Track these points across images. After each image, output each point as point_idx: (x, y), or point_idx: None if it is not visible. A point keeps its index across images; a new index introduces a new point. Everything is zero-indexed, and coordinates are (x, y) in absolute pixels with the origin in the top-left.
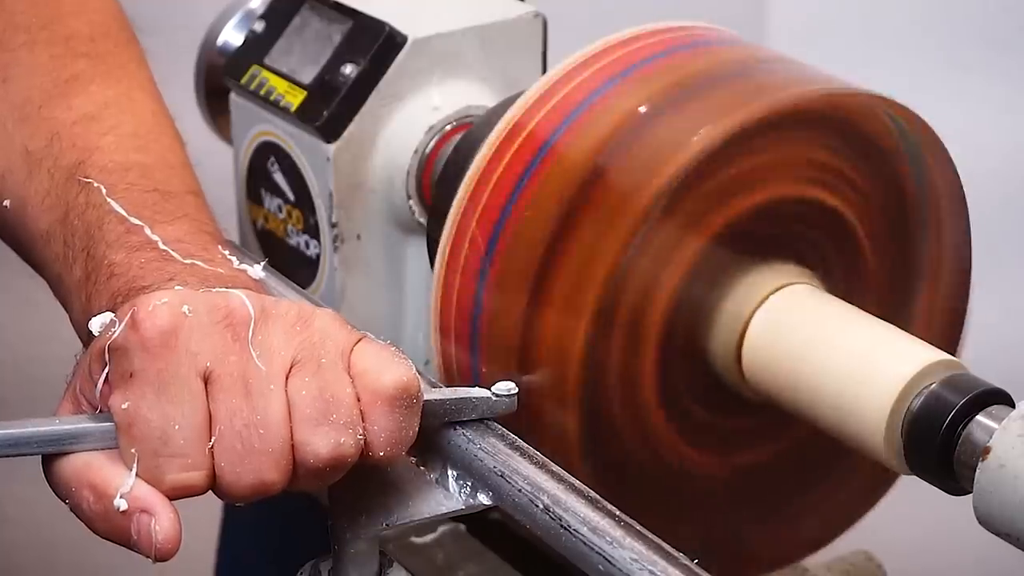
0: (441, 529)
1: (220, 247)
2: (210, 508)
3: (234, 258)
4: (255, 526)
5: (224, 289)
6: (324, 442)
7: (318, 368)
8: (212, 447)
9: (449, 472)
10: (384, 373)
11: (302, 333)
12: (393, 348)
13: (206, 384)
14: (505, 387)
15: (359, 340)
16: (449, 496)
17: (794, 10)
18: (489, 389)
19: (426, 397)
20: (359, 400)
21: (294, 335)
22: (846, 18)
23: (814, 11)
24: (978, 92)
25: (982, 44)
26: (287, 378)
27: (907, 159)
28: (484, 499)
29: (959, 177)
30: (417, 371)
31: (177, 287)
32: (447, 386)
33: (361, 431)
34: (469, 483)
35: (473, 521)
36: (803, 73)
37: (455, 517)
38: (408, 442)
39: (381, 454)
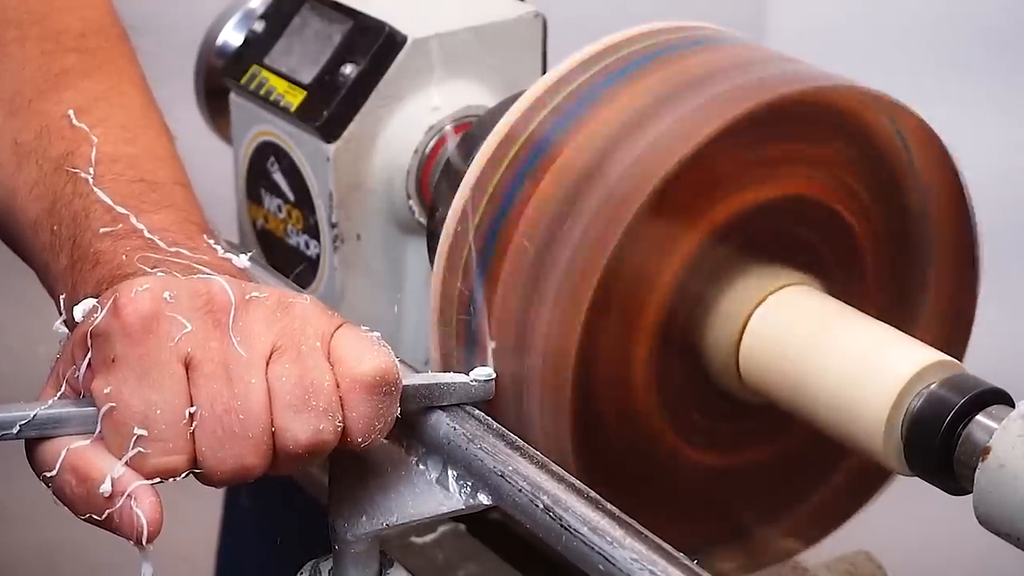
0: (441, 529)
1: (205, 236)
2: (210, 508)
3: (219, 247)
4: (255, 526)
5: (205, 275)
6: (303, 428)
7: (298, 354)
8: (193, 432)
9: (449, 472)
10: (363, 360)
11: (283, 319)
12: (374, 335)
13: (187, 369)
14: (483, 373)
15: (339, 327)
16: (449, 496)
17: (794, 10)
18: (467, 374)
19: (404, 382)
20: (338, 387)
21: (275, 321)
22: (846, 19)
23: (814, 11)
24: (978, 92)
25: (982, 45)
26: (267, 364)
27: (907, 159)
28: (484, 499)
29: (960, 177)
30: (396, 358)
31: (159, 273)
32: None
33: (340, 418)
34: (469, 483)
35: (473, 521)
36: (802, 71)
37: (455, 517)
38: (387, 428)
39: (359, 440)
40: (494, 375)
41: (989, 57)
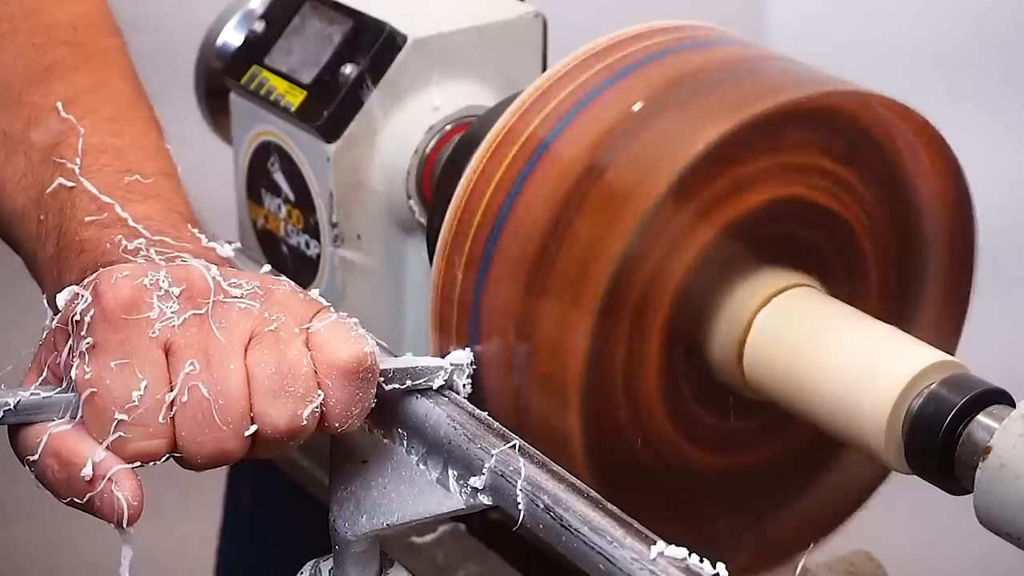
0: (441, 529)
1: (190, 226)
2: (210, 508)
3: (203, 236)
4: (255, 526)
5: (185, 262)
6: (281, 413)
7: (277, 340)
8: (173, 417)
9: (449, 472)
10: (341, 347)
11: (262, 305)
12: (352, 320)
13: (167, 355)
14: (460, 356)
15: (318, 312)
16: (449, 496)
17: (794, 10)
18: (444, 358)
19: (382, 366)
20: (316, 373)
21: (254, 307)
22: (845, 19)
23: (813, 11)
24: (978, 93)
25: (982, 45)
26: (246, 350)
27: (910, 160)
28: (484, 499)
29: (962, 176)
30: (375, 343)
31: (141, 261)
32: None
33: (318, 403)
34: (469, 483)
35: (473, 521)
36: (805, 73)
37: (455, 517)
38: (364, 414)
39: (336, 425)
40: (472, 359)
41: (990, 57)
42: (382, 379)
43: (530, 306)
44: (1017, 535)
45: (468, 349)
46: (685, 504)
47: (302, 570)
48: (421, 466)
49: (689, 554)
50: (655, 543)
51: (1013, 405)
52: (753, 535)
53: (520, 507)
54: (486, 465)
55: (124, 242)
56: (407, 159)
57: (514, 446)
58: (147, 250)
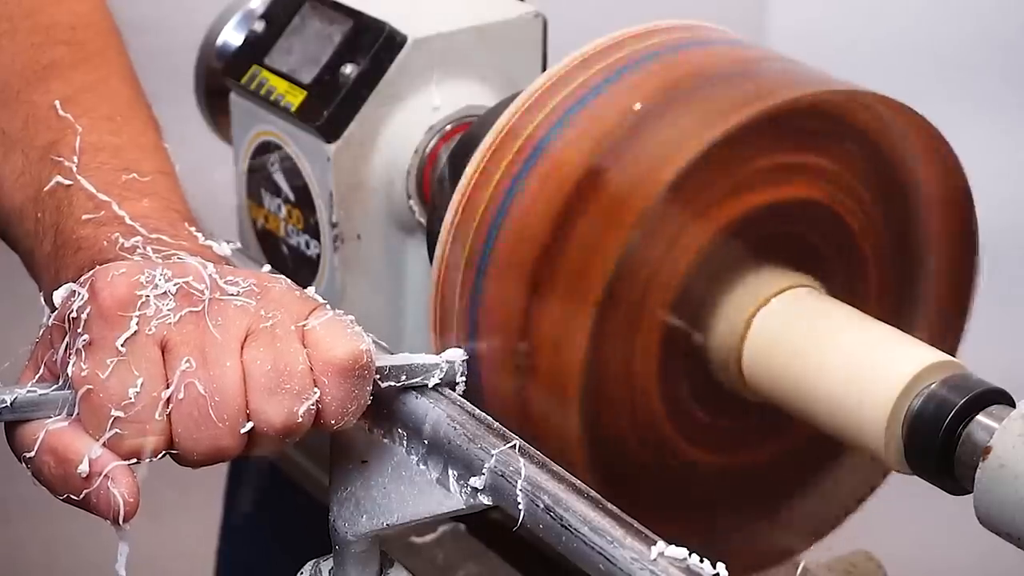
0: (441, 529)
1: (187, 224)
2: (210, 508)
3: (200, 234)
4: (255, 526)
5: (182, 259)
6: (277, 411)
7: (273, 338)
8: (170, 414)
9: (449, 472)
10: (337, 344)
11: (258, 303)
12: (348, 318)
13: (163, 352)
14: (455, 354)
15: (314, 310)
16: (449, 496)
17: (794, 10)
18: (439, 355)
19: (377, 363)
20: (312, 370)
21: (250, 304)
22: (846, 19)
23: (814, 12)
24: (979, 92)
25: (983, 45)
26: (242, 347)
27: (910, 160)
28: (484, 499)
29: (963, 176)
30: (371, 340)
31: (137, 258)
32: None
33: (314, 401)
34: (469, 483)
35: (473, 521)
36: (805, 73)
37: (455, 517)
38: (359, 411)
39: (332, 422)
40: (465, 357)
41: (990, 58)
42: (378, 376)
43: (529, 308)
44: (1017, 535)
45: (463, 348)
46: (685, 504)
47: (302, 570)
48: (421, 466)
49: (689, 554)
50: (655, 543)
51: (1013, 405)
52: (753, 535)
53: (520, 507)
54: (486, 465)
55: (121, 240)
56: (407, 159)
57: (514, 446)
58: (144, 248)
